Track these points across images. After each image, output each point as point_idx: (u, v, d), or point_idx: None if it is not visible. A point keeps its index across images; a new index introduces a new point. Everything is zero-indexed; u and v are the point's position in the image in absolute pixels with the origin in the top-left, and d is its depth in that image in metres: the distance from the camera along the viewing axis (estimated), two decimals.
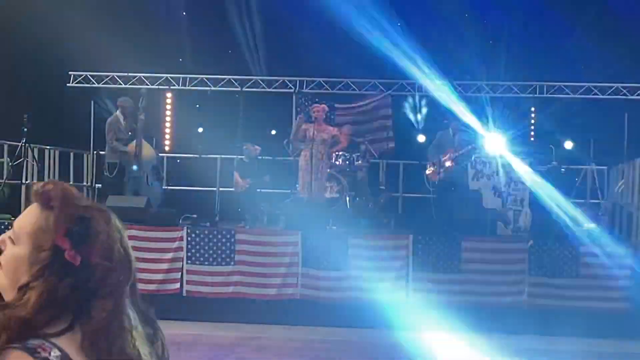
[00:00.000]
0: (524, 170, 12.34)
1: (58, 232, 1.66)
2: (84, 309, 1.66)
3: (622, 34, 15.02)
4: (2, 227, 10.48)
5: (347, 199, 12.62)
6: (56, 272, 1.64)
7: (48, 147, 13.44)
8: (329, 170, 12.10)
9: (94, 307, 1.66)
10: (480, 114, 14.21)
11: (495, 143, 13.60)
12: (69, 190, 1.75)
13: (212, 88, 15.26)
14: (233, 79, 15.27)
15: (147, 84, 14.88)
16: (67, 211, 1.68)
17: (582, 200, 12.49)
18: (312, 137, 11.46)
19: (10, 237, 1.72)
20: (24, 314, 1.61)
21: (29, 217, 1.71)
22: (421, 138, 14.17)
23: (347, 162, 12.91)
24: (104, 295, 1.67)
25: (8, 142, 12.26)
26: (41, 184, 1.73)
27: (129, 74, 15.16)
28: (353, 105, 14.91)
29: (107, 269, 1.67)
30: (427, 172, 12.43)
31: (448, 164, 11.96)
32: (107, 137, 11.81)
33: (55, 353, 1.59)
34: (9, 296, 1.68)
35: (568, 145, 13.38)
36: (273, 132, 14.15)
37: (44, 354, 1.58)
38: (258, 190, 12.98)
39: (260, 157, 13.33)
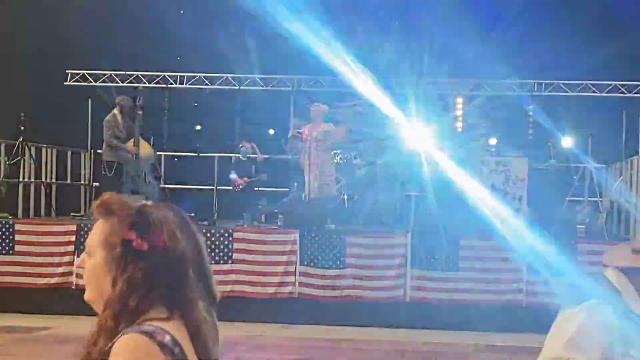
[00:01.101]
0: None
1: (123, 228, 1.88)
2: (174, 300, 1.85)
3: (620, 31, 15.00)
4: (0, 225, 10.46)
5: (345, 197, 12.61)
6: (131, 261, 1.85)
7: (45, 145, 13.42)
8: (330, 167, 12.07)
9: (180, 297, 1.86)
10: (480, 113, 14.19)
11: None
12: (122, 195, 1.98)
13: (210, 86, 15.22)
14: (231, 77, 15.23)
15: (144, 82, 14.85)
16: (127, 209, 1.90)
17: (581, 199, 12.49)
18: (308, 137, 11.44)
19: (87, 253, 1.93)
20: (117, 304, 1.82)
21: (96, 230, 1.93)
22: None
23: (345, 161, 12.89)
24: (179, 277, 1.87)
25: (5, 141, 12.25)
26: (97, 199, 1.94)
27: (127, 72, 15.13)
28: (352, 104, 14.85)
29: (174, 249, 1.88)
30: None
31: None
32: (105, 136, 11.78)
33: (167, 338, 1.78)
34: (100, 308, 1.89)
35: (566, 142, 13.37)
36: (271, 131, 14.12)
37: (159, 338, 1.77)
38: (256, 188, 12.97)
39: (257, 156, 13.29)
